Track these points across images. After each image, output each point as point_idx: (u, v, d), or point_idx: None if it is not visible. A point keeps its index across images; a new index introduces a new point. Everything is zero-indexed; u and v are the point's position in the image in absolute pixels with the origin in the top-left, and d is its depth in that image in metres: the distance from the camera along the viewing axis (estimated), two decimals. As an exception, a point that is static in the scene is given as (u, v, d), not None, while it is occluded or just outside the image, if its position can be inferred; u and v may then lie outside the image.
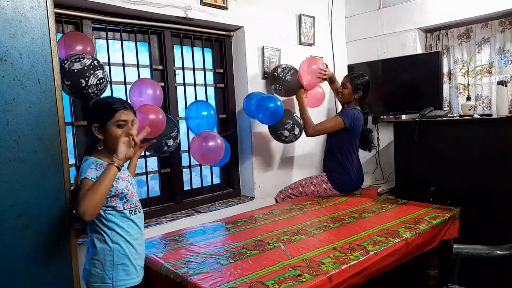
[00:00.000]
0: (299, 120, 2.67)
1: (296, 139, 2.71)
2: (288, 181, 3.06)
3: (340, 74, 3.49)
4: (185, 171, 2.65)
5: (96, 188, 1.35)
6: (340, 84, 2.78)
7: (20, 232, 1.39)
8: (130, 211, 1.54)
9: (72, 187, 1.55)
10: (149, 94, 2.07)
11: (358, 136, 2.72)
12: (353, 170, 2.67)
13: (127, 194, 1.52)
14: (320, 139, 3.24)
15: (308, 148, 3.22)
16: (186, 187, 2.66)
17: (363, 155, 3.50)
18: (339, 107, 3.24)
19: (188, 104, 2.65)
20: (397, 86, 3.06)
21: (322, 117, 3.26)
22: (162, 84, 2.50)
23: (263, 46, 2.84)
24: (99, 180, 1.37)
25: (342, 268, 1.49)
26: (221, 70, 2.84)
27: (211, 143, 2.21)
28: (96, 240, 1.49)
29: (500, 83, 2.58)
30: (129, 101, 2.05)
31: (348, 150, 2.66)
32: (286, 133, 2.62)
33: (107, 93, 2.26)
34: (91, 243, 1.51)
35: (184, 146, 2.64)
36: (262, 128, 2.89)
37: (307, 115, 2.69)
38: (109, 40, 2.26)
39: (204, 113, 2.28)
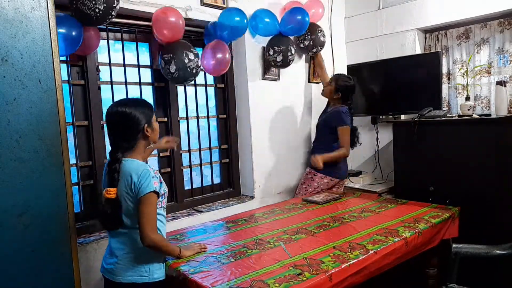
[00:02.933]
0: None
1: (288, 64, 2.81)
2: (288, 181, 3.07)
3: (340, 74, 3.50)
4: (186, 171, 2.66)
5: (163, 245, 1.53)
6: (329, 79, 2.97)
7: (21, 232, 1.40)
8: (164, 208, 1.63)
9: (107, 197, 1.47)
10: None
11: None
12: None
13: (166, 193, 1.61)
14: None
15: (309, 147, 3.22)
16: (187, 186, 2.67)
17: (362, 155, 3.51)
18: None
19: (188, 104, 2.66)
20: (396, 86, 3.07)
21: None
22: (163, 84, 2.51)
23: (263, 46, 2.85)
24: (167, 246, 1.55)
25: (342, 267, 1.50)
26: (221, 70, 2.85)
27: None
28: (136, 235, 1.48)
29: (499, 83, 2.58)
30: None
31: (330, 139, 2.84)
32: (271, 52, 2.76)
33: (108, 92, 2.27)
34: (129, 238, 1.52)
35: (184, 146, 2.65)
36: (262, 128, 2.89)
37: (334, 155, 2.76)
38: (110, 41, 2.27)
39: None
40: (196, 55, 2.27)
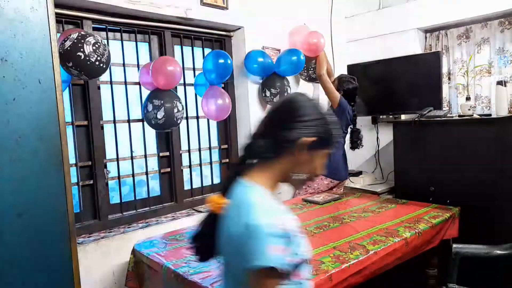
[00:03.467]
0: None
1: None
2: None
3: (340, 74, 3.49)
4: (186, 171, 2.66)
5: None
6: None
7: (21, 232, 1.39)
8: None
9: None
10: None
11: (343, 126, 2.81)
12: (335, 158, 2.79)
13: (308, 259, 0.92)
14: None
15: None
16: (187, 186, 2.66)
17: (363, 155, 3.51)
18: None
19: (188, 104, 2.65)
20: (397, 86, 3.06)
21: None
22: (162, 84, 2.50)
23: (263, 46, 2.85)
24: None
25: (342, 267, 1.50)
26: (221, 70, 2.84)
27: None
28: None
29: (500, 83, 2.58)
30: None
31: None
32: (268, 93, 2.75)
33: (108, 92, 2.27)
34: None
35: (184, 146, 2.64)
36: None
37: (326, 62, 2.86)
38: (109, 40, 2.27)
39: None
40: (183, 107, 2.29)
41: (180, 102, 2.26)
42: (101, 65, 1.87)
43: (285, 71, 2.77)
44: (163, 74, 2.16)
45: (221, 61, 2.40)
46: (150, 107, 2.20)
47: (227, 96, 2.52)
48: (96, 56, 1.82)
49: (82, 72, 1.84)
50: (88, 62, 1.82)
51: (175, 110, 2.21)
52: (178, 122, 2.28)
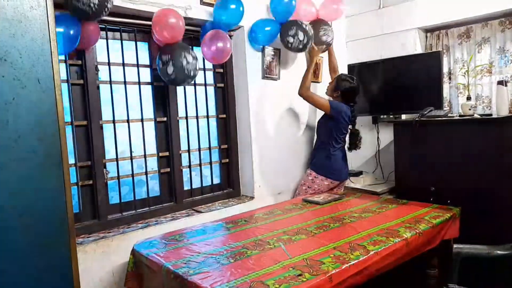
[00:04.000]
0: (303, 26, 2.69)
1: (303, 46, 2.72)
2: (288, 181, 3.06)
3: (340, 74, 3.49)
4: (185, 171, 2.65)
5: None
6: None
7: (20, 232, 1.39)
8: None
9: None
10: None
11: (343, 128, 2.82)
12: (335, 158, 2.81)
13: None
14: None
15: (309, 147, 3.21)
16: (186, 187, 2.66)
17: (363, 155, 3.51)
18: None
19: (187, 103, 2.65)
20: (397, 86, 3.06)
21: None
22: (162, 83, 2.50)
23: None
24: None
25: (343, 267, 1.49)
26: (221, 70, 2.84)
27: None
28: None
29: (500, 82, 2.58)
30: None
31: (330, 139, 2.81)
32: (291, 39, 2.68)
33: (107, 92, 2.27)
34: None
35: (184, 146, 2.64)
36: (262, 128, 2.89)
37: (308, 76, 2.79)
38: (109, 40, 2.26)
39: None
40: (195, 58, 2.25)
41: (189, 53, 2.20)
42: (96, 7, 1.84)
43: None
44: (166, 28, 2.13)
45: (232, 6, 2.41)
46: (160, 64, 2.20)
47: (229, 40, 2.44)
48: None
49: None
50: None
51: (184, 62, 2.16)
52: (191, 74, 2.23)
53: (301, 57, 3.16)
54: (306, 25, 2.70)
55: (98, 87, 2.24)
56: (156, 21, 2.15)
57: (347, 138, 2.95)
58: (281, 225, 2.06)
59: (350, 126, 2.89)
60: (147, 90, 2.48)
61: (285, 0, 2.66)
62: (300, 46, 2.72)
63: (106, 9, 1.90)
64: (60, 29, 1.81)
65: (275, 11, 2.73)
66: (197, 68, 2.29)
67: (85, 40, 2.00)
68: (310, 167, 2.92)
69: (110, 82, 2.28)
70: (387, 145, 3.30)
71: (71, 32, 1.87)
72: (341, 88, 2.81)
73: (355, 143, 2.89)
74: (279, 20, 2.74)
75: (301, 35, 2.68)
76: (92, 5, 1.83)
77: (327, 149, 2.82)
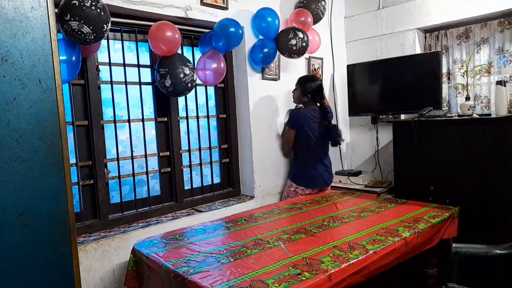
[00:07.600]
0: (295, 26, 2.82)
1: (306, 44, 2.76)
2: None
3: (340, 75, 3.51)
4: (186, 171, 2.66)
5: None
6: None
7: (21, 232, 1.40)
8: None
9: None
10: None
11: (309, 131, 2.73)
12: (312, 166, 2.80)
13: None
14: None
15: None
16: (187, 186, 2.67)
17: (362, 155, 3.52)
18: None
19: (188, 103, 2.66)
20: (396, 86, 3.07)
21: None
22: (162, 84, 2.51)
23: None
24: None
25: (342, 267, 1.50)
26: (221, 70, 2.85)
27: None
28: None
29: (499, 83, 2.58)
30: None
31: (302, 147, 2.82)
32: (293, 41, 2.73)
33: (108, 92, 2.28)
34: None
35: (184, 145, 2.64)
36: (262, 128, 2.89)
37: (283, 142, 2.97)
38: (109, 40, 2.27)
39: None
40: (192, 69, 2.28)
41: (186, 65, 2.24)
42: (99, 11, 1.82)
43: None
44: (160, 40, 2.16)
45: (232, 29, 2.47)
46: (158, 77, 2.24)
47: (223, 61, 2.53)
48: (90, 1, 1.80)
49: (82, 21, 1.78)
50: (84, 8, 1.78)
51: (182, 75, 2.21)
52: (189, 86, 2.27)
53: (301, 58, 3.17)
54: (296, 27, 2.76)
55: (99, 87, 2.24)
56: (152, 35, 2.17)
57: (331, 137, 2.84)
58: (280, 224, 2.06)
59: (326, 122, 2.78)
60: (148, 90, 2.49)
61: (269, 19, 2.72)
62: (304, 44, 2.74)
63: (103, 35, 1.91)
64: (62, 58, 1.86)
65: (260, 29, 2.77)
66: (195, 79, 2.32)
67: (86, 49, 2.03)
68: (289, 178, 2.91)
69: (111, 82, 2.28)
70: (386, 145, 3.31)
71: (73, 58, 1.92)
72: (309, 90, 2.75)
73: (335, 138, 2.79)
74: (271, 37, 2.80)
75: (300, 34, 2.70)
76: (88, 40, 1.85)
77: (301, 158, 2.83)
